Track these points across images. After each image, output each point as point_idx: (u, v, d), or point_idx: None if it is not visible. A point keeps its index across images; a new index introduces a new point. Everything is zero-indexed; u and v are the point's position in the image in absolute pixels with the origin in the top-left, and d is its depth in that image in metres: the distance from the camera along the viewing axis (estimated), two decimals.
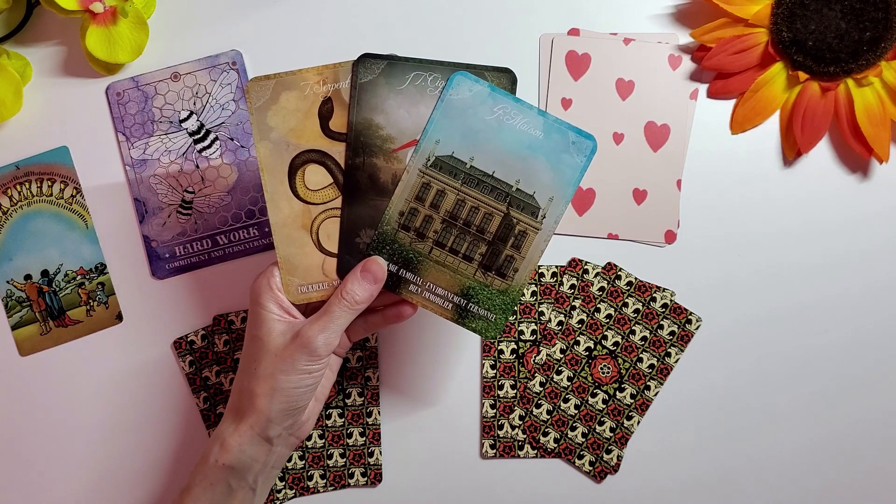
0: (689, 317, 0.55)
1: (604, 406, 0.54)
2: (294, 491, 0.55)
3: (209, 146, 0.56)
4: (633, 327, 0.55)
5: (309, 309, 0.48)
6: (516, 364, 0.55)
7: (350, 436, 0.55)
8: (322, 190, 0.47)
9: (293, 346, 0.44)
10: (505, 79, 0.46)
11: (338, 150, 0.47)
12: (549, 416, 0.55)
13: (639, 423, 0.55)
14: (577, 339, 0.55)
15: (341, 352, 0.51)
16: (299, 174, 0.47)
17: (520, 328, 0.55)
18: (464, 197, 0.47)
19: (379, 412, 0.55)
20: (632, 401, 0.54)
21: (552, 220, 0.47)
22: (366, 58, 0.46)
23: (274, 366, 0.44)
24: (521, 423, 0.55)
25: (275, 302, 0.46)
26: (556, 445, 0.55)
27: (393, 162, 0.47)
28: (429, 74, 0.46)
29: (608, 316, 0.55)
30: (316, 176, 0.47)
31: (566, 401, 0.55)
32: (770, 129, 0.56)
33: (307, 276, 0.47)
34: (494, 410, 0.55)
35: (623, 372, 0.55)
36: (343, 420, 0.55)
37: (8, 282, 0.55)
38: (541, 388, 0.55)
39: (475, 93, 0.45)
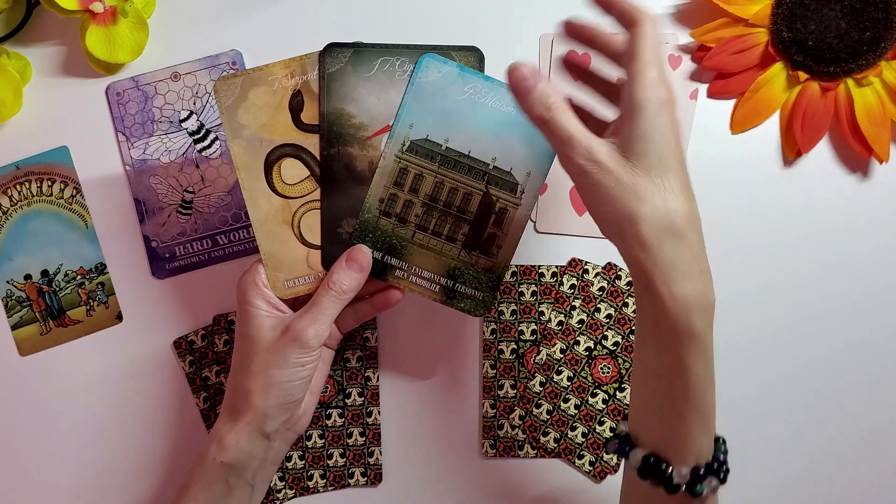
0: None
1: (604, 406, 0.54)
2: (294, 491, 0.55)
3: (209, 146, 0.56)
4: (634, 327, 0.55)
5: (297, 303, 0.48)
6: (516, 364, 0.55)
7: (350, 436, 0.55)
8: (300, 183, 0.47)
9: (284, 340, 0.45)
10: (472, 57, 0.46)
11: (312, 143, 0.47)
12: (549, 416, 0.55)
13: None
14: (577, 339, 0.55)
15: (332, 344, 0.51)
16: (275, 169, 0.47)
17: (520, 328, 0.55)
18: (442, 179, 0.47)
19: (379, 412, 0.55)
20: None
21: (531, 194, 0.47)
22: (332, 47, 0.46)
23: (266, 361, 0.45)
24: (521, 423, 0.55)
25: (262, 298, 0.46)
26: (556, 445, 0.55)
27: (368, 150, 0.47)
28: (396, 59, 0.46)
29: (608, 316, 0.55)
30: (292, 170, 0.47)
31: (566, 401, 0.55)
32: (770, 129, 0.56)
33: (292, 271, 0.47)
34: (494, 410, 0.55)
35: (623, 372, 0.54)
36: (343, 420, 0.55)
37: (8, 282, 0.55)
38: (541, 388, 0.55)
39: (444, 74, 0.45)
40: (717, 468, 0.40)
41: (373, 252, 0.47)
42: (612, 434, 0.54)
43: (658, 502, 0.41)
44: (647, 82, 0.38)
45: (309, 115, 0.46)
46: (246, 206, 0.47)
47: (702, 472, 0.39)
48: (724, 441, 0.42)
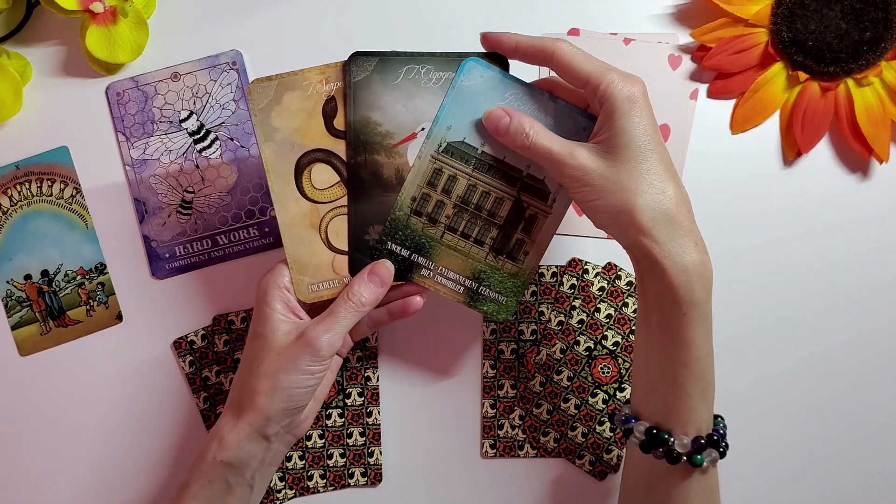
0: None
1: (604, 406, 0.54)
2: (294, 491, 0.55)
3: (209, 146, 0.56)
4: (634, 327, 0.55)
5: (313, 309, 0.48)
6: (516, 364, 0.55)
7: (350, 436, 0.55)
8: (329, 189, 0.47)
9: (297, 345, 0.45)
10: (496, 65, 0.46)
11: (343, 149, 0.47)
12: (549, 416, 0.55)
13: None
14: (577, 339, 0.55)
15: (343, 351, 0.51)
16: (306, 174, 0.47)
17: (520, 328, 0.55)
18: (475, 182, 0.47)
19: (379, 412, 0.55)
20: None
21: (562, 203, 0.47)
22: (357, 56, 0.46)
23: (276, 365, 0.45)
24: (521, 423, 0.55)
25: (282, 301, 0.46)
26: (556, 445, 0.54)
27: (394, 157, 0.47)
28: (421, 67, 0.46)
29: (608, 316, 0.55)
30: (322, 175, 0.47)
31: (566, 401, 0.54)
32: (770, 129, 0.56)
33: (317, 275, 0.47)
34: (494, 410, 0.55)
35: (623, 372, 0.54)
36: (343, 420, 0.55)
37: (8, 282, 0.55)
38: (541, 388, 0.55)
39: (486, 79, 0.46)
40: (716, 440, 0.42)
41: (400, 250, 0.47)
42: (611, 435, 0.54)
43: (659, 477, 0.43)
44: (613, 88, 0.41)
45: (341, 121, 0.47)
46: (268, 208, 0.47)
47: (703, 442, 0.41)
48: (723, 418, 0.45)
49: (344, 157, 0.47)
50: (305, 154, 0.47)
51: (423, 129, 0.47)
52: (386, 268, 0.47)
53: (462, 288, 0.48)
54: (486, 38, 0.46)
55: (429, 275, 0.48)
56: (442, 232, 0.47)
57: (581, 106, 0.46)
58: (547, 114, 0.46)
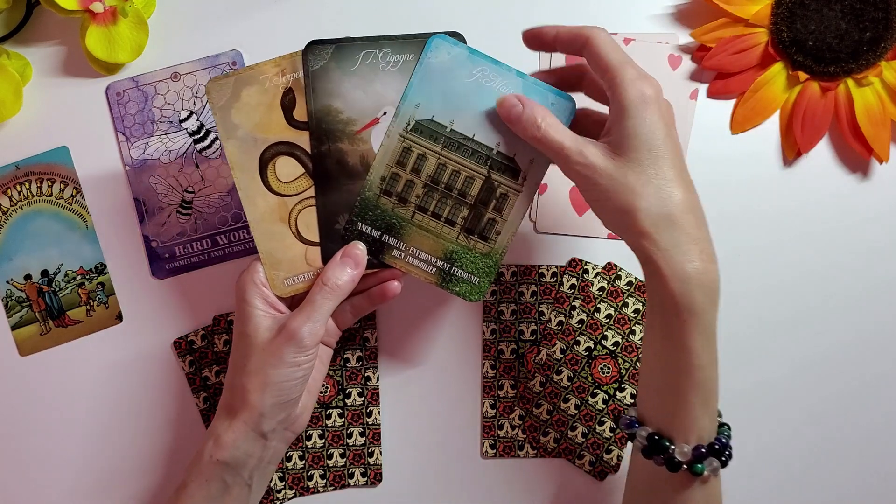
0: None
1: (604, 406, 0.54)
2: (294, 491, 0.55)
3: (209, 146, 0.56)
4: (633, 327, 0.55)
5: (295, 301, 0.48)
6: (516, 364, 0.55)
7: (350, 436, 0.55)
8: (295, 181, 0.47)
9: (279, 339, 0.45)
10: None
11: (305, 140, 0.47)
12: (549, 416, 0.55)
13: None
14: (577, 339, 0.55)
15: (331, 342, 0.51)
16: (270, 168, 0.47)
17: (520, 328, 0.55)
18: (445, 161, 0.47)
19: (379, 412, 0.55)
20: (632, 401, 0.54)
21: (533, 181, 0.47)
22: (314, 44, 0.46)
23: (263, 360, 0.45)
24: (521, 423, 0.55)
25: (260, 298, 0.46)
26: (556, 445, 0.54)
27: (358, 144, 0.47)
28: (378, 51, 0.46)
29: (608, 316, 0.55)
30: (287, 168, 0.47)
31: (566, 401, 0.54)
32: (770, 129, 0.56)
33: (292, 268, 0.47)
34: (494, 410, 0.55)
35: (623, 372, 0.54)
36: (343, 420, 0.55)
37: (8, 282, 0.55)
38: (541, 388, 0.55)
39: (454, 56, 0.45)
40: (718, 449, 0.41)
41: (371, 230, 0.47)
42: (611, 435, 0.54)
43: (661, 483, 0.43)
44: (626, 84, 0.41)
45: (301, 112, 0.47)
46: (242, 206, 0.47)
47: (703, 451, 0.41)
48: (728, 427, 0.44)
49: (307, 149, 0.47)
50: (268, 148, 0.47)
51: (384, 113, 0.46)
52: (359, 249, 0.47)
53: (434, 269, 0.48)
54: (526, 35, 0.46)
55: (400, 255, 0.47)
56: (412, 212, 0.47)
57: (600, 98, 0.46)
58: (514, 89, 0.45)
